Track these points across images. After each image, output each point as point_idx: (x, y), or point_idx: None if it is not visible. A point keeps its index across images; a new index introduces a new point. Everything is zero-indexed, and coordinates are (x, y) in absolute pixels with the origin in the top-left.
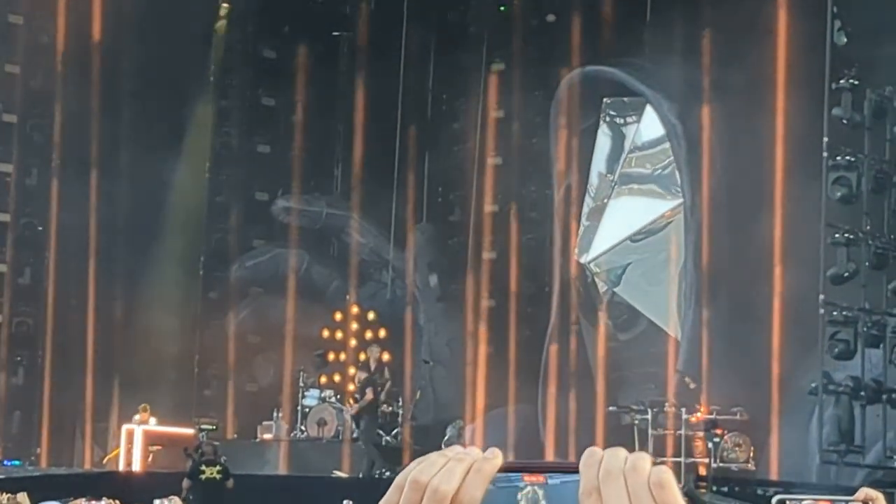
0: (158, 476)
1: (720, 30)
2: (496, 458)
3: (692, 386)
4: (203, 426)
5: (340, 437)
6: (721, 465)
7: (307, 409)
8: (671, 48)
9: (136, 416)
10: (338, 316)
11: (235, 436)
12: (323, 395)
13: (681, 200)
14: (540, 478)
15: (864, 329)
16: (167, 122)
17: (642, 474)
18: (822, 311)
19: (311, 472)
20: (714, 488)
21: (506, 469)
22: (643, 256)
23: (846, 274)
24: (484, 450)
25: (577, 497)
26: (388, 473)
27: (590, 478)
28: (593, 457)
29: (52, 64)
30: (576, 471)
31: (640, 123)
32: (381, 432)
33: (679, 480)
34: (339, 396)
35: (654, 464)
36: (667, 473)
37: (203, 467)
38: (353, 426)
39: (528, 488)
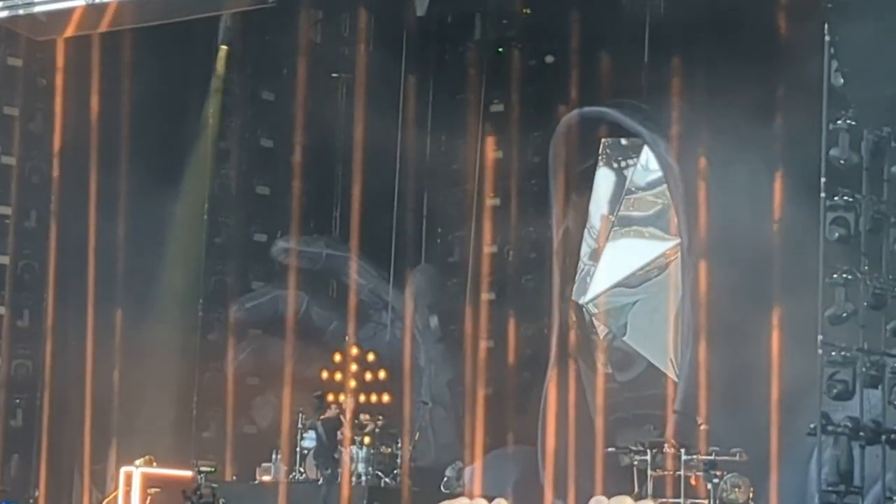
0: None
1: (717, 71)
2: None
3: (703, 427)
4: (202, 468)
5: (339, 479)
6: None
7: (306, 451)
8: (669, 89)
9: (139, 461)
10: (337, 357)
11: (234, 478)
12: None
13: (678, 241)
14: None
15: (863, 369)
16: (166, 164)
17: None
18: (820, 351)
19: None
20: None
21: None
22: (642, 297)
23: (844, 314)
24: (486, 495)
25: None
26: None
27: None
28: None
29: (50, 106)
30: None
31: (638, 165)
32: (380, 473)
33: None
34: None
35: None
36: None
37: None
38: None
39: None
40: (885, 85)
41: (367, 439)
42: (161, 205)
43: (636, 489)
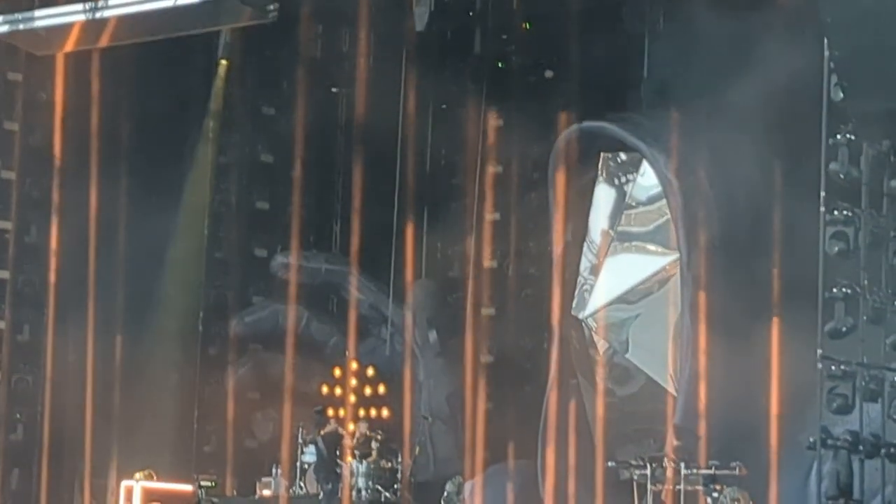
0: None
1: (716, 86)
2: None
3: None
4: (202, 483)
5: (340, 494)
6: None
7: (306, 466)
8: (668, 103)
9: (139, 475)
10: (337, 372)
11: (234, 492)
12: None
13: (677, 256)
14: None
15: (863, 383)
16: (166, 179)
17: None
18: (820, 365)
19: None
20: None
21: None
22: (641, 312)
23: (844, 328)
24: None
25: None
26: None
27: None
28: None
29: (50, 121)
30: None
31: (637, 179)
32: (380, 488)
33: None
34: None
35: None
36: None
37: None
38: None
39: None
40: (884, 99)
41: (372, 454)
42: (161, 219)
43: (636, 503)
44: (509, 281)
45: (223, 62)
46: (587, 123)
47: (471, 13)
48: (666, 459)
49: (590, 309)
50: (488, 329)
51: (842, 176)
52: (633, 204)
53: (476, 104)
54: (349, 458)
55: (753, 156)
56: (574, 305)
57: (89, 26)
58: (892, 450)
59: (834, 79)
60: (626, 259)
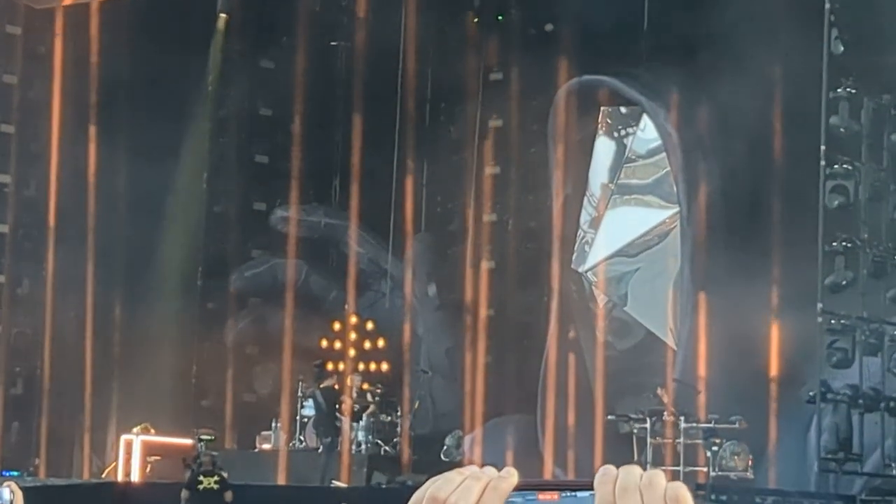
0: (157, 487)
1: (716, 38)
2: (512, 476)
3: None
4: (202, 436)
5: (339, 448)
6: (720, 473)
7: (305, 420)
8: (668, 57)
9: (136, 429)
10: (336, 326)
11: (234, 446)
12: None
13: (677, 209)
14: (554, 496)
15: (863, 337)
16: (165, 133)
17: (658, 490)
18: (820, 319)
19: (309, 482)
20: (713, 497)
21: (521, 487)
22: (641, 266)
23: (844, 282)
24: (486, 464)
25: None
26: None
27: (605, 494)
28: (608, 474)
29: (49, 74)
30: (590, 488)
31: (637, 133)
32: (379, 441)
33: None
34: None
35: (670, 480)
36: (682, 489)
37: (201, 478)
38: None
39: None
40: (885, 53)
41: (370, 407)
42: (160, 173)
43: (635, 457)
44: (509, 234)
45: (222, 16)
46: (587, 77)
47: None
48: (665, 413)
49: (590, 262)
50: (488, 283)
51: (842, 129)
52: (633, 157)
53: (476, 58)
54: (348, 412)
55: (753, 109)
56: (574, 259)
57: None
58: (892, 403)
59: (834, 32)
60: (625, 212)
